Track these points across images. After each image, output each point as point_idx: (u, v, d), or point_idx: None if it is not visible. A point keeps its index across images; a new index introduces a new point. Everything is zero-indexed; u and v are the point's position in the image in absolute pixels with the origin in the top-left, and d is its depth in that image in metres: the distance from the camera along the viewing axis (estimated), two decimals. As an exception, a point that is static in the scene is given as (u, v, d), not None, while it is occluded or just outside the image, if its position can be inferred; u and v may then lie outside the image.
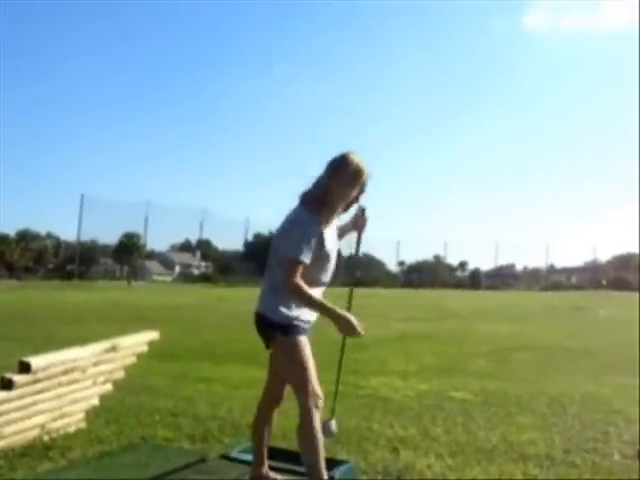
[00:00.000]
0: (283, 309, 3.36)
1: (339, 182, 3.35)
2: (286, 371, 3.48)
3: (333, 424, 3.63)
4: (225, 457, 4.21)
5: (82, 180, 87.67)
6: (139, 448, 4.60)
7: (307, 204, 3.39)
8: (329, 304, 3.32)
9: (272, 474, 3.69)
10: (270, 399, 3.69)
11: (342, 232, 3.70)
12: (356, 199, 3.51)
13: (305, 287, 3.26)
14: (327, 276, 3.48)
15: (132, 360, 5.45)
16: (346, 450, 4.71)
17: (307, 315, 3.43)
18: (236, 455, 4.19)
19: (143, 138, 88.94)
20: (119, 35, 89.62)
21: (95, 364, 5.03)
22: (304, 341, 3.40)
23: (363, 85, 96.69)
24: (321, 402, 3.34)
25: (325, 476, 3.27)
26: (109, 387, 5.33)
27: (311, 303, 3.32)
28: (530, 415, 6.08)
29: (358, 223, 3.72)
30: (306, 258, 3.25)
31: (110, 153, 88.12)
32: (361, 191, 3.47)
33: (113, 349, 5.13)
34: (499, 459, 4.66)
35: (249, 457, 4.12)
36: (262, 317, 3.44)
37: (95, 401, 5.26)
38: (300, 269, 3.24)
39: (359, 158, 3.40)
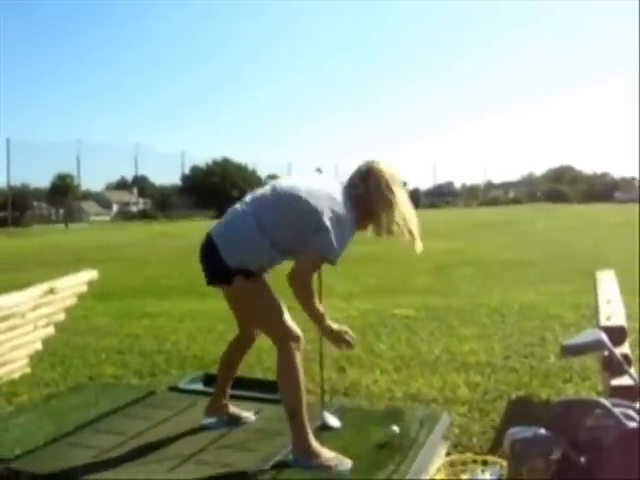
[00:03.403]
0: (250, 253, 3.01)
1: (388, 195, 3.07)
2: (253, 316, 3.22)
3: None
4: (174, 389, 4.23)
5: (8, 125, 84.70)
6: (87, 388, 4.58)
7: (349, 199, 3.07)
8: (324, 318, 3.07)
9: (231, 407, 3.57)
10: (243, 337, 3.46)
11: None
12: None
13: (314, 293, 3.04)
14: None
15: (72, 301, 5.37)
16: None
17: (269, 262, 3.12)
18: (184, 386, 4.21)
19: (69, 77, 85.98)
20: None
21: (34, 308, 4.94)
22: (266, 280, 3.13)
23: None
24: (302, 342, 3.08)
25: (307, 422, 3.04)
26: (51, 330, 5.26)
27: (311, 310, 3.03)
28: (471, 326, 6.27)
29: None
30: (338, 256, 2.98)
31: (36, 97, 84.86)
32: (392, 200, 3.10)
33: (51, 291, 5.03)
34: (442, 369, 4.82)
35: (198, 387, 4.16)
36: (217, 251, 3.00)
37: (38, 345, 5.19)
38: (316, 269, 3.05)
39: (400, 174, 3.17)
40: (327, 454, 2.99)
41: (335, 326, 3.10)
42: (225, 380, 3.54)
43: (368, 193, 3.08)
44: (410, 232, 3.11)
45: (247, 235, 2.99)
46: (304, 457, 2.99)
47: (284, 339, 3.05)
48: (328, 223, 2.93)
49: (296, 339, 3.05)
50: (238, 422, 3.55)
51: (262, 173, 60.63)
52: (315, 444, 3.02)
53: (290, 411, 3.03)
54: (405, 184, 3.19)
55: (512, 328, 6.15)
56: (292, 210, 3.00)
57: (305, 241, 2.97)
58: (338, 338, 3.10)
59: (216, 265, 3.01)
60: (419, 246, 3.16)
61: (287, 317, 3.08)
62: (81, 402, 4.13)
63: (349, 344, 3.12)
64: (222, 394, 3.55)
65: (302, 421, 3.02)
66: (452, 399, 4.15)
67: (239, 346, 3.51)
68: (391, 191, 3.09)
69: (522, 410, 3.91)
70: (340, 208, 2.99)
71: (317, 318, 3.05)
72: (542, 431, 2.12)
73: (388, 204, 3.07)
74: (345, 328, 3.12)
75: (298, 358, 3.04)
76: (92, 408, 3.93)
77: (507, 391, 4.28)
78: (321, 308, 3.07)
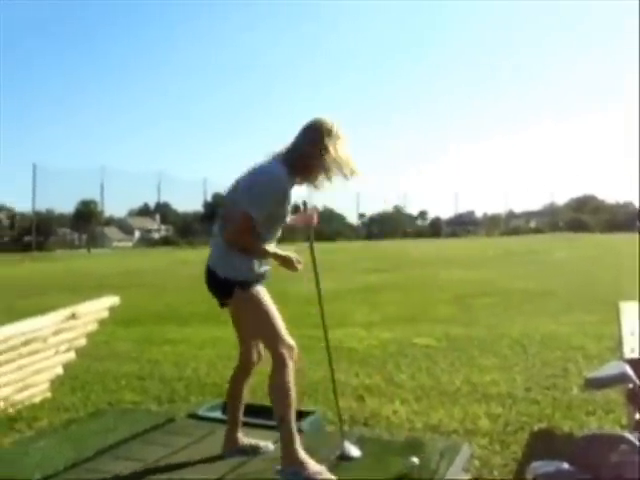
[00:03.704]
0: (239, 264, 3.27)
1: (320, 145, 3.22)
2: (251, 325, 3.38)
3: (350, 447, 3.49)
4: (193, 416, 4.23)
5: (33, 151, 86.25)
6: (106, 413, 4.60)
7: (283, 162, 3.27)
8: (272, 249, 3.32)
9: (245, 440, 3.61)
10: (242, 363, 3.58)
11: (289, 227, 3.55)
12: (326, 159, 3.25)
13: (256, 243, 3.24)
14: (275, 235, 3.39)
15: (94, 327, 5.40)
16: (313, 401, 4.77)
17: (259, 267, 3.35)
18: (203, 413, 4.21)
19: (92, 106, 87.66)
20: (63, 8, 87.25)
21: (55, 333, 4.97)
22: (262, 290, 3.33)
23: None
24: (295, 353, 3.27)
25: (295, 431, 3.21)
26: (72, 355, 5.29)
27: (261, 253, 3.28)
28: (492, 357, 6.21)
29: (307, 220, 3.61)
30: (261, 217, 3.18)
31: (61, 123, 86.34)
32: (331, 148, 3.23)
33: (73, 317, 5.07)
34: (463, 400, 4.77)
35: (216, 414, 4.15)
36: (214, 273, 3.32)
37: (59, 370, 5.22)
38: (252, 228, 3.18)
39: (336, 124, 3.29)
40: (314, 467, 3.13)
41: (284, 253, 3.32)
42: (235, 411, 3.61)
43: (306, 146, 3.26)
44: (352, 171, 3.29)
45: (223, 247, 3.29)
46: (292, 469, 3.14)
47: (278, 349, 3.23)
48: (253, 184, 3.24)
49: (289, 349, 3.25)
50: (257, 452, 3.54)
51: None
52: (302, 454, 3.17)
53: (279, 418, 3.21)
54: (337, 135, 3.28)
55: (534, 359, 6.08)
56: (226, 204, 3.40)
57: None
58: (288, 262, 3.31)
59: (217, 284, 3.32)
60: (357, 172, 3.32)
61: (282, 328, 3.28)
62: (100, 428, 4.14)
63: (294, 266, 3.32)
64: (235, 426, 3.61)
65: (290, 429, 3.18)
66: (473, 430, 4.11)
67: (241, 374, 3.60)
68: (326, 139, 3.23)
69: (544, 443, 3.86)
70: (260, 175, 3.26)
71: (264, 254, 3.29)
72: (565, 466, 2.09)
73: (325, 151, 3.22)
74: (293, 254, 3.33)
75: (290, 368, 3.22)
76: (111, 434, 3.94)
77: (529, 423, 4.22)
78: (270, 248, 3.32)
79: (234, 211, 3.24)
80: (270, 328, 3.27)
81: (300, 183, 3.35)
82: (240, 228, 3.20)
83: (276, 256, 3.31)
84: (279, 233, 3.44)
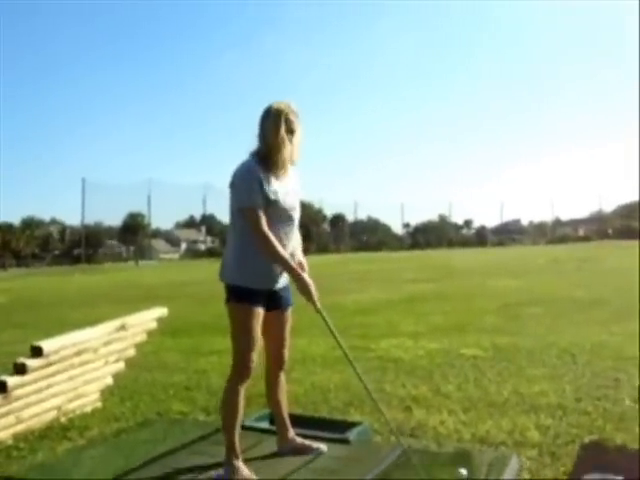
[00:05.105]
0: (236, 269, 3.37)
1: (267, 128, 3.34)
2: (231, 335, 3.42)
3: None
4: (240, 426, 4.24)
5: (82, 166, 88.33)
6: (155, 423, 4.66)
7: (250, 156, 3.39)
8: (293, 263, 3.35)
9: (299, 439, 3.71)
10: (270, 363, 3.65)
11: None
12: (289, 140, 3.36)
13: (272, 237, 3.26)
14: (284, 230, 3.38)
15: (142, 338, 5.49)
16: (359, 412, 4.76)
17: (263, 278, 3.38)
18: (251, 423, 4.22)
19: (138, 123, 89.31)
20: (112, 29, 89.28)
21: (106, 344, 5.07)
22: (255, 312, 3.35)
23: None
24: (249, 375, 3.39)
25: (236, 440, 3.41)
26: (122, 365, 5.39)
27: (276, 255, 3.28)
28: (541, 367, 6.12)
29: (304, 289, 3.40)
30: (256, 202, 3.25)
31: (108, 139, 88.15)
32: (289, 129, 3.35)
33: (122, 328, 5.17)
34: (511, 412, 4.70)
35: (264, 424, 4.16)
36: (221, 278, 3.46)
37: (109, 380, 5.32)
38: (259, 215, 3.25)
39: (280, 102, 3.40)
40: (247, 475, 3.32)
41: (304, 275, 3.36)
42: (276, 413, 3.74)
43: (267, 133, 3.35)
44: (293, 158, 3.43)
45: (228, 248, 3.47)
46: (226, 469, 3.37)
47: (237, 369, 3.38)
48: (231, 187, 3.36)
49: (246, 376, 3.39)
50: (310, 452, 3.64)
51: (328, 211, 61.16)
52: (238, 462, 3.37)
53: (223, 428, 3.48)
54: (291, 120, 3.37)
55: (583, 369, 5.97)
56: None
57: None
58: (304, 286, 3.33)
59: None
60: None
61: (254, 354, 3.37)
62: (149, 437, 4.20)
63: (311, 296, 3.34)
64: (284, 426, 3.72)
65: (231, 438, 3.41)
66: (522, 442, 4.05)
67: (269, 378, 3.68)
68: (281, 124, 3.33)
69: (596, 455, 3.77)
70: (238, 170, 3.34)
71: (285, 261, 3.30)
72: (619, 479, 2.05)
73: (281, 136, 3.32)
74: (312, 287, 3.33)
75: (241, 387, 3.40)
76: (160, 444, 3.98)
77: (579, 435, 4.14)
78: (293, 256, 3.41)
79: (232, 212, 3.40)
80: (241, 350, 3.36)
81: (271, 171, 3.36)
82: (251, 223, 3.27)
83: (291, 268, 3.33)
84: (293, 234, 3.46)
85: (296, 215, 3.47)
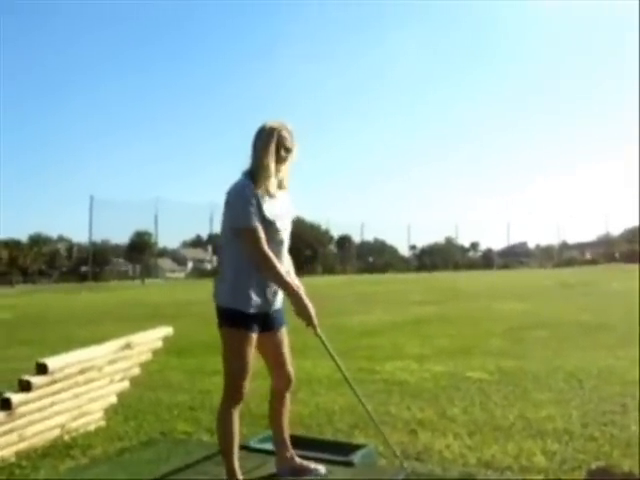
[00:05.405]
0: (229, 292, 3.36)
1: (260, 146, 3.35)
2: (223, 358, 3.43)
3: None
4: (244, 447, 4.23)
5: (90, 183, 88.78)
6: (159, 443, 4.64)
7: (243, 175, 3.40)
8: (294, 285, 3.36)
9: (297, 460, 3.70)
10: (273, 390, 3.69)
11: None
12: (284, 159, 3.39)
13: (274, 258, 3.26)
14: (276, 251, 3.35)
15: (147, 357, 5.49)
16: (364, 435, 4.73)
17: (258, 302, 3.35)
18: (255, 445, 4.22)
19: (145, 139, 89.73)
20: (118, 40, 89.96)
21: (111, 362, 5.07)
22: (249, 337, 3.34)
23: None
24: (241, 399, 3.43)
25: (235, 463, 3.43)
26: (126, 384, 5.38)
27: (277, 276, 3.29)
28: (547, 391, 6.08)
29: (303, 312, 3.44)
30: (255, 222, 3.24)
31: (115, 156, 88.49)
32: (283, 146, 3.36)
33: (128, 346, 5.16)
34: (517, 436, 4.67)
35: (268, 446, 4.14)
36: (214, 300, 3.47)
37: (113, 399, 5.31)
38: (259, 235, 3.24)
39: (274, 121, 3.42)
40: None
41: (304, 297, 3.36)
42: (276, 433, 3.75)
43: (258, 153, 3.37)
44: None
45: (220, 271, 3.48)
46: None
47: (228, 393, 3.41)
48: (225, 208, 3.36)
49: (238, 400, 3.42)
50: (308, 473, 3.59)
51: (335, 232, 61.16)
52: None
53: (221, 452, 3.50)
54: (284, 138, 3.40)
55: (590, 394, 5.93)
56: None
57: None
58: (304, 309, 3.34)
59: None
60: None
61: (246, 379, 3.38)
62: (153, 457, 4.19)
63: (311, 319, 3.37)
64: (283, 446, 3.73)
65: (230, 460, 3.42)
66: (528, 467, 4.02)
67: (274, 401, 3.71)
68: (272, 143, 3.35)
69: (602, 481, 3.75)
70: (233, 189, 3.35)
71: (285, 283, 3.31)
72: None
73: (269, 155, 3.34)
74: (312, 310, 3.36)
75: (234, 412, 3.43)
76: (163, 463, 3.98)
77: (586, 460, 4.11)
78: (291, 278, 3.41)
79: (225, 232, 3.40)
80: (231, 376, 3.40)
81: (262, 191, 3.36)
82: (250, 244, 3.26)
83: (293, 292, 3.33)
84: (285, 257, 3.46)
85: (287, 237, 3.46)
